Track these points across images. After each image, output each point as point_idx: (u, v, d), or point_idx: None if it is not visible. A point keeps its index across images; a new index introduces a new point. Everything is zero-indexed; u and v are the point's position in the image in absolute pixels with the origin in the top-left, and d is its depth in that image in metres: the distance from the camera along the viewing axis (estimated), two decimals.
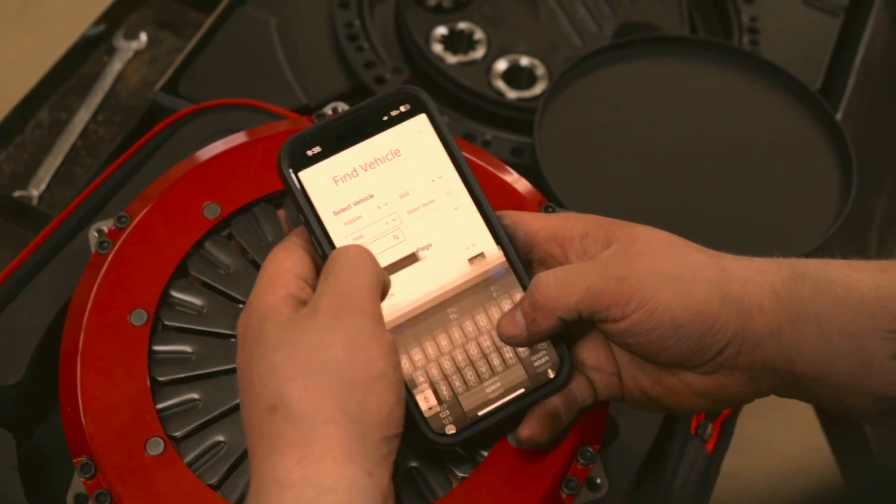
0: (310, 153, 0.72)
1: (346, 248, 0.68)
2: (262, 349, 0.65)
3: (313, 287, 0.69)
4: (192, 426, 0.78)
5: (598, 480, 0.78)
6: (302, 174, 0.72)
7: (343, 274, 0.66)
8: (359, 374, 0.64)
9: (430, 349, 0.72)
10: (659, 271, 0.69)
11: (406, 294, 0.73)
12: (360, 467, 0.62)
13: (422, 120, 0.74)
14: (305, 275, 0.70)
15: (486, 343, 0.73)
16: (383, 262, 0.72)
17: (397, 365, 0.65)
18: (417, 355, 0.72)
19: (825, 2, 1.33)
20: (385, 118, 0.74)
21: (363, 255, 0.68)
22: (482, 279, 0.74)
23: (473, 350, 0.73)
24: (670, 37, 1.23)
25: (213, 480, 0.76)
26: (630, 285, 0.69)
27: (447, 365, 0.73)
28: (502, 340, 0.73)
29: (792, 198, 1.13)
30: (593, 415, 0.77)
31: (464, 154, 0.83)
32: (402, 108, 0.74)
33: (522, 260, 0.74)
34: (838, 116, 1.19)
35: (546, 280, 0.70)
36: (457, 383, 0.72)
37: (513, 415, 0.73)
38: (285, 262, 0.69)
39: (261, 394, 0.64)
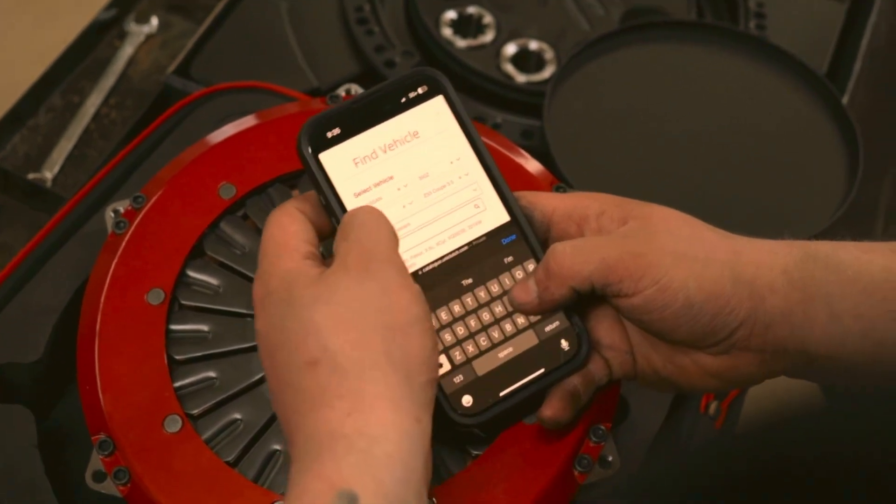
0: (329, 135, 0.73)
1: (360, 209, 0.70)
2: (295, 308, 0.66)
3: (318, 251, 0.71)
4: (210, 404, 0.79)
5: (610, 458, 0.79)
6: (322, 156, 0.73)
7: (363, 232, 0.68)
8: (397, 319, 0.65)
9: (444, 315, 0.73)
10: (674, 250, 0.70)
11: (419, 255, 0.74)
12: (409, 413, 0.63)
13: (439, 101, 0.75)
14: (312, 239, 0.71)
15: (499, 309, 0.74)
16: (406, 244, 0.73)
17: (428, 311, 0.67)
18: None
19: None
20: (403, 100, 0.75)
21: (376, 213, 0.69)
22: (493, 242, 0.75)
23: (486, 316, 0.74)
24: (677, 21, 1.24)
25: (231, 457, 0.77)
26: (645, 261, 0.69)
27: (460, 331, 0.73)
28: (514, 307, 0.74)
29: (798, 182, 1.14)
30: (605, 394, 0.78)
31: None
32: (420, 90, 0.75)
33: (540, 239, 0.75)
34: (844, 100, 1.20)
35: (562, 249, 0.71)
36: (469, 348, 0.73)
37: (531, 398, 0.74)
38: (291, 227, 0.70)
39: (298, 350, 0.65)
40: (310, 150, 0.72)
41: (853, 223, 1.16)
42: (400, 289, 0.66)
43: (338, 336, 0.64)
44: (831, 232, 1.08)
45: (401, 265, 0.68)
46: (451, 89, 0.75)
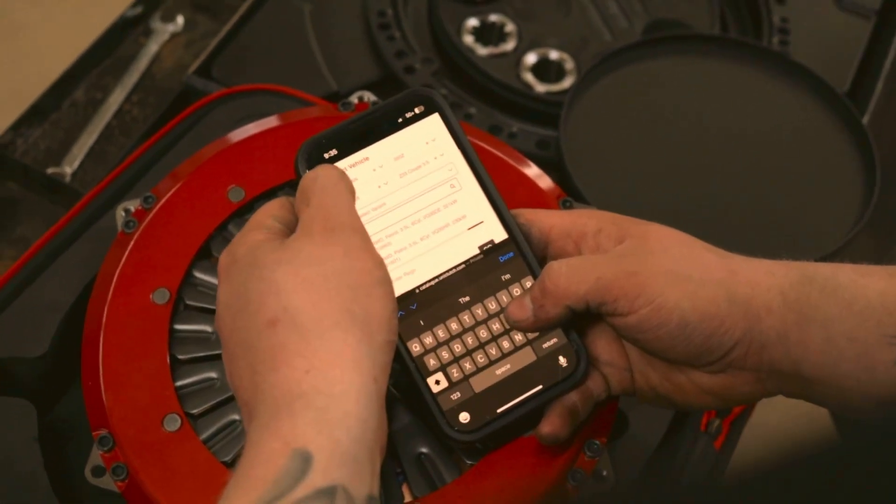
0: (326, 156, 0.75)
1: (319, 170, 0.71)
2: (259, 271, 0.66)
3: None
4: (209, 404, 0.80)
5: (605, 473, 0.79)
6: None
7: (325, 197, 0.69)
8: (360, 280, 0.66)
9: (441, 333, 0.74)
10: (669, 270, 0.70)
11: (416, 273, 0.75)
12: (368, 373, 0.64)
13: (435, 120, 0.76)
14: (290, 222, 0.72)
15: (496, 327, 0.75)
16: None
17: (390, 277, 0.68)
18: (428, 339, 0.74)
19: (857, 5, 1.33)
20: (400, 120, 0.76)
21: (336, 174, 0.71)
22: (491, 260, 0.75)
23: (483, 334, 0.75)
24: (700, 35, 1.24)
25: (228, 458, 0.78)
26: (640, 281, 0.70)
27: (457, 348, 0.74)
28: (509, 324, 0.74)
29: (815, 199, 1.14)
30: (601, 409, 0.78)
31: (486, 146, 0.85)
32: (417, 110, 0.76)
33: (537, 257, 0.76)
34: (865, 120, 1.20)
35: (558, 268, 0.72)
36: (467, 365, 0.74)
37: (529, 414, 0.74)
38: (275, 211, 0.72)
39: (258, 311, 0.65)
40: (307, 172, 0.74)
41: (872, 243, 1.16)
42: (363, 253, 0.67)
43: (298, 295, 0.65)
44: (848, 252, 1.08)
45: (363, 231, 0.69)
46: (448, 109, 0.77)
